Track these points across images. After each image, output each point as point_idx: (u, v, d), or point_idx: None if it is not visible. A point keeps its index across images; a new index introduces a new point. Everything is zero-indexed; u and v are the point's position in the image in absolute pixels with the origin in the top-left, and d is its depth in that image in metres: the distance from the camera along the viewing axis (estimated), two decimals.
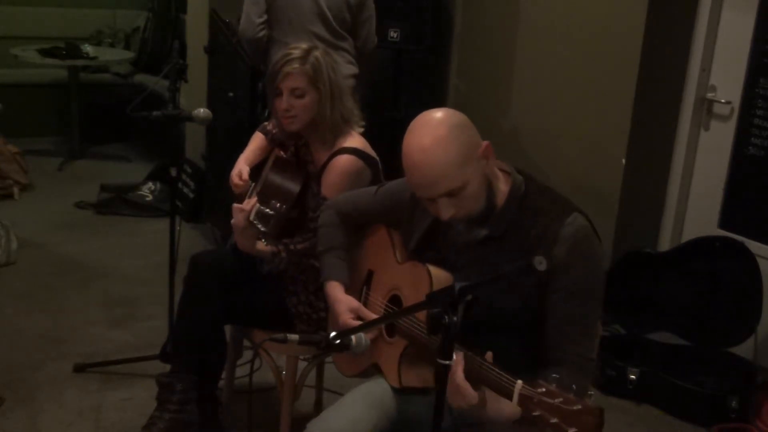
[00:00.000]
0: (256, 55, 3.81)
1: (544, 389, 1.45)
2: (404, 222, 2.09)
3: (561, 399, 1.41)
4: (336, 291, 2.18)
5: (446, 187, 1.79)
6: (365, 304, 2.18)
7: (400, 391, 1.99)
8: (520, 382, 1.52)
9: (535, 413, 1.45)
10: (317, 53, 2.55)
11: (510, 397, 1.53)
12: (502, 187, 1.90)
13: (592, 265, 1.84)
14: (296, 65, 2.50)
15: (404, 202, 2.07)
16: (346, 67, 3.77)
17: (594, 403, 1.39)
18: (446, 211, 1.83)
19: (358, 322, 2.07)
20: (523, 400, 1.49)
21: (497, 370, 1.59)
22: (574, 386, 1.43)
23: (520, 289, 1.82)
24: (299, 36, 3.62)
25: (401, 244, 2.11)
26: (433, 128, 1.79)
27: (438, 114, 1.83)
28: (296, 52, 2.53)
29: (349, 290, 2.20)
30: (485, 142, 1.83)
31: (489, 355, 1.60)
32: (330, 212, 2.30)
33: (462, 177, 1.78)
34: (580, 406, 1.38)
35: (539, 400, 1.45)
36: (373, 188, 2.24)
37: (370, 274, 2.20)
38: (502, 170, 1.94)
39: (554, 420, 1.40)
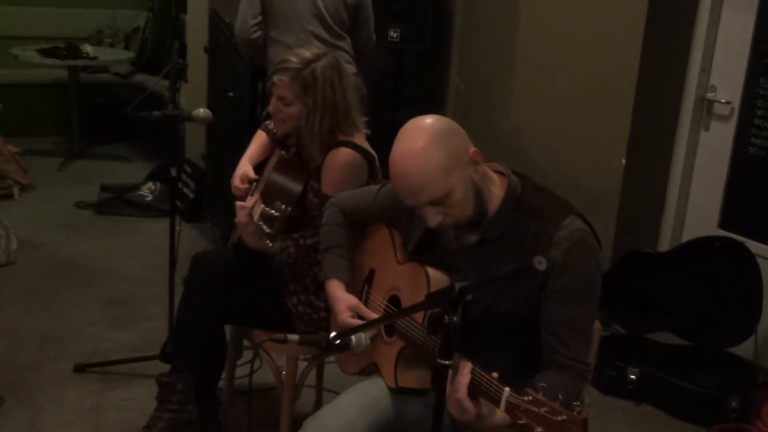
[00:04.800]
0: (253, 56, 3.80)
1: (530, 397, 1.46)
2: (404, 223, 2.09)
3: (546, 408, 1.42)
4: (336, 289, 2.17)
5: (429, 196, 1.78)
6: (366, 303, 2.17)
7: (397, 392, 1.98)
8: (507, 389, 1.52)
9: (521, 421, 1.46)
10: (319, 66, 2.45)
11: (498, 404, 1.53)
12: (496, 191, 1.88)
13: (587, 269, 1.82)
14: (285, 77, 2.45)
15: (403, 204, 2.06)
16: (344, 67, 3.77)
17: (579, 413, 1.40)
18: (433, 218, 1.83)
19: (357, 321, 2.06)
20: (510, 407, 1.50)
21: (487, 376, 1.59)
22: (560, 395, 1.43)
23: (519, 290, 1.82)
24: (297, 36, 3.62)
25: (402, 245, 2.11)
26: (416, 137, 1.78)
27: (422, 122, 1.81)
28: (294, 62, 2.45)
29: (350, 289, 2.20)
30: (473, 149, 1.82)
31: (495, 375, 1.59)
32: (333, 210, 2.28)
33: (445, 185, 1.77)
34: (564, 417, 1.40)
35: (525, 409, 1.45)
36: (375, 187, 2.23)
37: (372, 273, 2.20)
38: (497, 171, 1.93)
39: (539, 429, 1.42)
